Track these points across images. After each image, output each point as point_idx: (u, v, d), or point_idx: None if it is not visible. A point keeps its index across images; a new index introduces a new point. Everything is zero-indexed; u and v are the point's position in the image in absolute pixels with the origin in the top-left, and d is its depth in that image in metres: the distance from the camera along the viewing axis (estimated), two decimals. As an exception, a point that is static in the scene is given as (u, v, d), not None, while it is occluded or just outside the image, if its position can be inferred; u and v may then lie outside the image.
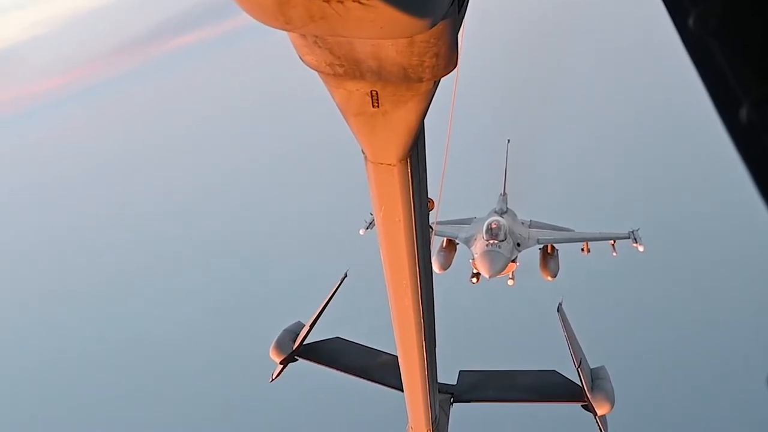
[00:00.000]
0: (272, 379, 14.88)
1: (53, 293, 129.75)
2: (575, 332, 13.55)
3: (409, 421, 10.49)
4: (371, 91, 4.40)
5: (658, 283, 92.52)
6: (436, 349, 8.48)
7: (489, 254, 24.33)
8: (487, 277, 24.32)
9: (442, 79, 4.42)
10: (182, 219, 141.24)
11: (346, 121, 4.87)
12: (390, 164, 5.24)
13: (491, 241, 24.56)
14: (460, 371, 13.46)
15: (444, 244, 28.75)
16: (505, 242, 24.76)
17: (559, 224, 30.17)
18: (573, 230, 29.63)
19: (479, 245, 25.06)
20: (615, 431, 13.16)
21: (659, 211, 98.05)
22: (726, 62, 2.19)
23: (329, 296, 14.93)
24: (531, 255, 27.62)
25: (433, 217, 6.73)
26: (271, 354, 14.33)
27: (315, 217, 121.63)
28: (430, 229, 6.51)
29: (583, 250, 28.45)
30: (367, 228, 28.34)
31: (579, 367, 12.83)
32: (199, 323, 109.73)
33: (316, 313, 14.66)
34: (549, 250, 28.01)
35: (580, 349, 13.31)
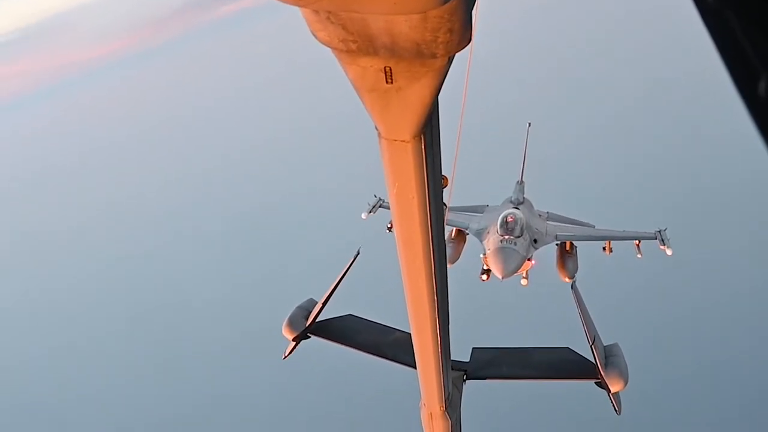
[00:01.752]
0: (285, 356, 14.96)
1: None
2: (588, 310, 13.52)
3: (422, 398, 10.49)
4: (385, 68, 4.38)
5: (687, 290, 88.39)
6: (450, 326, 8.46)
7: (503, 252, 21.93)
8: (500, 277, 21.85)
9: (456, 54, 4.37)
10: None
11: (360, 98, 4.84)
12: (404, 141, 5.20)
13: (506, 237, 22.19)
14: (473, 348, 13.47)
15: (453, 234, 26.37)
16: (521, 238, 22.40)
17: (579, 218, 27.87)
18: (593, 226, 27.24)
19: (492, 240, 22.70)
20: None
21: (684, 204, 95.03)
22: (744, 35, 2.15)
23: (342, 273, 14.93)
24: (547, 252, 25.35)
25: (447, 194, 6.68)
26: (283, 331, 14.36)
27: (327, 194, 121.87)
28: (444, 206, 6.46)
29: (604, 249, 25.86)
30: (370, 212, 26.15)
31: (593, 344, 12.83)
32: (213, 300, 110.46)
33: (329, 291, 14.69)
34: (568, 248, 25.73)
35: (594, 326, 13.30)
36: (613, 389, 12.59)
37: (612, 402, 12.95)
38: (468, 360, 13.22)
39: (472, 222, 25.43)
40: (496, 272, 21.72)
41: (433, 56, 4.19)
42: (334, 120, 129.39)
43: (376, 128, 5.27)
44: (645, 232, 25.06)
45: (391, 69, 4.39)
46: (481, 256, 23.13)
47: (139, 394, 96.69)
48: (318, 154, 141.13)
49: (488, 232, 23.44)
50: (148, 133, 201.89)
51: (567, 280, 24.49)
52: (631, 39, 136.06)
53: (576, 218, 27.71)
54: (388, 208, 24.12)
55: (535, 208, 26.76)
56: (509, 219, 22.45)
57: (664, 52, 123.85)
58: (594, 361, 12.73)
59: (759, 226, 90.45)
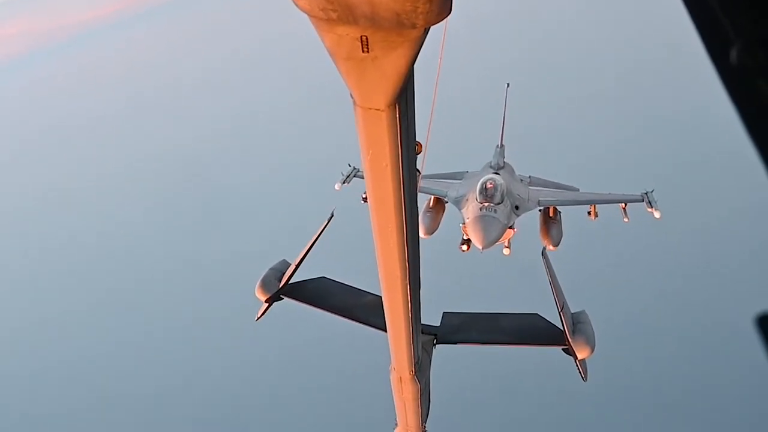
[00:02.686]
0: (257, 318, 14.99)
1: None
2: (558, 277, 13.66)
3: (392, 361, 10.60)
4: (361, 36, 4.42)
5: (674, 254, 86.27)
6: (420, 291, 8.55)
7: (483, 220, 20.81)
8: (480, 247, 20.65)
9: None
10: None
11: (336, 66, 4.88)
12: (378, 109, 5.26)
13: (486, 204, 21.04)
14: (443, 313, 13.58)
15: (431, 203, 25.20)
16: (502, 205, 21.21)
17: (562, 182, 26.87)
18: (578, 189, 26.27)
19: (471, 208, 21.53)
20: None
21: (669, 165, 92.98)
22: (717, 2, 2.18)
23: (316, 235, 14.95)
24: (530, 219, 24.24)
25: (421, 160, 6.74)
26: (256, 292, 14.40)
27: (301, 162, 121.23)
28: (418, 173, 6.52)
29: (589, 213, 24.80)
30: (344, 182, 25.27)
31: (561, 311, 13.00)
32: (183, 264, 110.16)
33: (303, 252, 14.69)
34: (551, 214, 24.52)
35: (563, 293, 13.46)
36: (579, 356, 12.77)
37: (578, 369, 13.16)
38: (438, 324, 13.34)
39: (451, 190, 24.47)
40: (476, 242, 20.68)
41: (413, 26, 4.23)
42: (311, 87, 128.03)
43: (351, 96, 5.31)
44: (631, 195, 24.08)
45: (367, 38, 4.42)
46: (461, 225, 22.17)
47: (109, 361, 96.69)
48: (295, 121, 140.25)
49: (467, 200, 22.46)
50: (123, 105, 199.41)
51: (551, 248, 23.55)
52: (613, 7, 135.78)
53: (559, 182, 26.88)
54: (362, 178, 23.55)
55: (517, 172, 25.87)
56: (489, 185, 21.45)
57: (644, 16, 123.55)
58: (562, 328, 12.92)
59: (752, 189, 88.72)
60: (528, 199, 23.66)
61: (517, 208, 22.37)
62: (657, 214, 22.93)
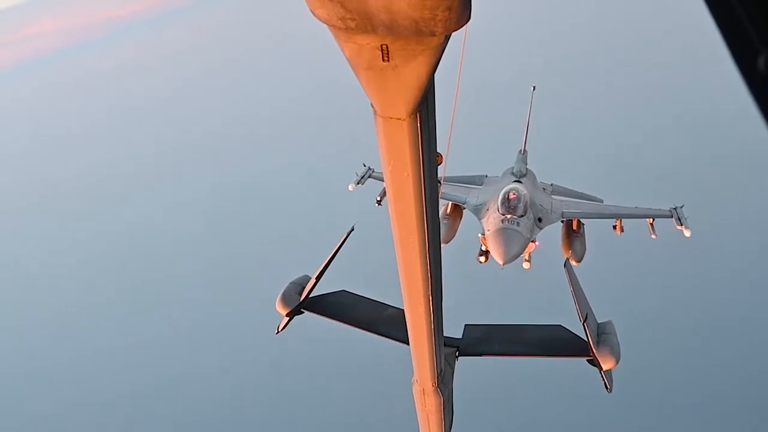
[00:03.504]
0: (278, 332, 15.04)
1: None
2: (582, 287, 13.53)
3: (415, 374, 10.54)
4: (381, 45, 4.39)
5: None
6: (443, 303, 8.50)
7: (504, 233, 19.59)
8: (501, 263, 19.39)
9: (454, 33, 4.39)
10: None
11: (356, 75, 4.85)
12: (399, 119, 5.22)
13: (508, 216, 19.81)
14: (465, 325, 13.50)
15: (448, 209, 23.94)
16: (525, 218, 20.00)
17: (586, 191, 25.52)
18: (602, 200, 25.16)
19: (492, 219, 20.27)
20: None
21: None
22: (744, 12, 2.15)
23: (336, 249, 14.97)
24: (551, 231, 22.77)
25: (441, 171, 6.70)
26: (277, 306, 14.41)
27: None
28: (439, 183, 6.47)
29: (615, 228, 23.30)
30: (358, 182, 24.15)
31: (585, 321, 12.87)
32: (205, 274, 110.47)
33: (322, 266, 14.71)
34: (575, 227, 23.30)
35: (587, 303, 13.34)
36: (604, 367, 12.63)
37: (603, 379, 13.01)
38: (461, 336, 13.26)
39: (470, 196, 23.30)
40: (497, 257, 19.53)
41: (432, 34, 4.20)
42: (331, 96, 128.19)
43: (371, 106, 5.28)
44: (659, 210, 22.73)
45: (387, 47, 4.39)
46: (479, 235, 21.05)
47: (128, 365, 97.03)
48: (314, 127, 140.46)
49: (488, 209, 21.27)
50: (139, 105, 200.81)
51: (574, 263, 22.17)
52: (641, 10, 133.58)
53: (583, 191, 25.69)
54: (378, 179, 23.30)
55: (539, 180, 24.69)
56: (511, 195, 20.35)
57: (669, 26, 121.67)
58: (586, 339, 12.79)
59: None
60: (551, 211, 22.49)
61: (539, 220, 21.17)
62: (687, 233, 21.58)
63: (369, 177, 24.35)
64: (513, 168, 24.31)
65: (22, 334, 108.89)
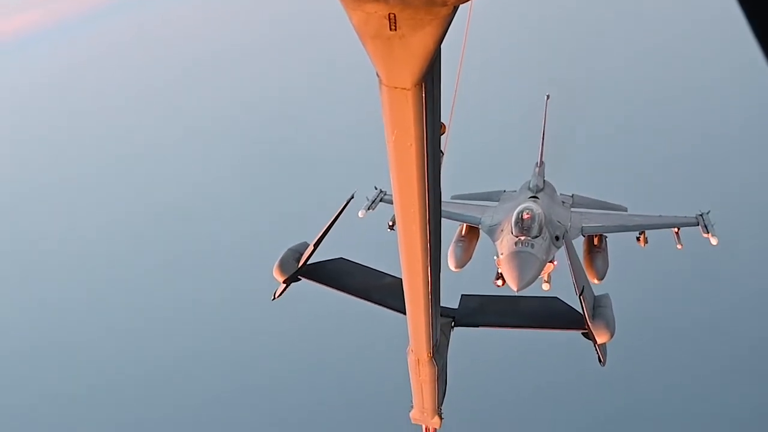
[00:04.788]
0: (274, 298, 15.04)
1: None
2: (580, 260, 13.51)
3: (410, 343, 10.56)
4: (389, 14, 4.37)
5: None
6: (440, 274, 8.50)
7: (518, 257, 18.59)
8: (515, 288, 18.24)
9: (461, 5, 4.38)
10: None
11: (363, 44, 4.84)
12: (405, 88, 5.20)
13: (522, 238, 18.82)
14: (462, 295, 13.48)
15: (463, 231, 22.86)
16: (540, 238, 18.94)
17: (609, 200, 24.65)
18: (626, 208, 24.25)
19: (506, 242, 19.31)
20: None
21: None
22: None
23: (334, 216, 14.95)
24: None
25: (444, 140, 6.66)
26: (274, 273, 14.38)
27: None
28: (441, 154, 6.44)
29: (638, 239, 22.28)
30: (368, 208, 22.97)
31: (581, 295, 12.89)
32: (203, 243, 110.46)
33: (321, 233, 14.69)
34: (596, 242, 22.27)
35: (584, 276, 13.35)
36: (599, 340, 12.68)
37: (597, 353, 13.07)
38: (457, 307, 13.26)
39: (485, 216, 22.28)
40: (510, 283, 18.37)
41: (443, 4, 4.21)
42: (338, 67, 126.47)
43: (377, 75, 5.26)
44: (684, 217, 21.77)
45: (395, 16, 4.37)
46: (495, 258, 19.97)
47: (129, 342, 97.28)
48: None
49: (502, 231, 20.34)
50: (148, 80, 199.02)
51: (596, 281, 21.23)
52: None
53: (606, 200, 24.86)
54: (389, 203, 21.83)
55: (559, 191, 23.77)
56: (525, 215, 19.34)
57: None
58: (582, 312, 12.80)
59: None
60: (570, 227, 21.46)
61: (557, 238, 20.03)
62: (714, 240, 20.74)
63: (380, 201, 23.34)
64: (530, 182, 23.47)
65: None
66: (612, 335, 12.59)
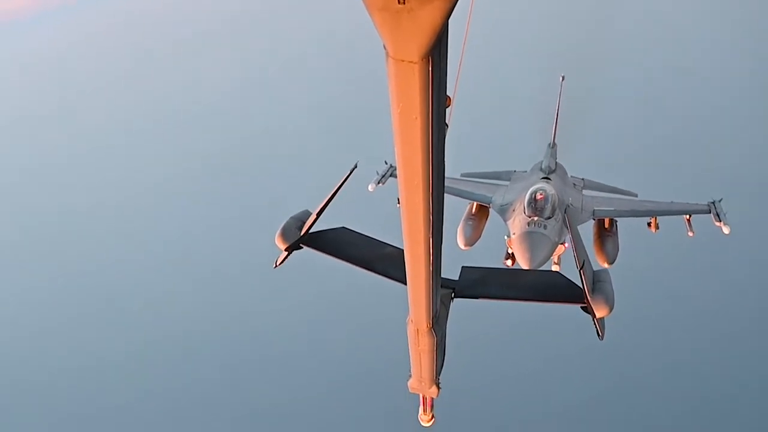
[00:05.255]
0: (276, 266, 15.10)
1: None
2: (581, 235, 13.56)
3: (410, 313, 10.61)
4: None
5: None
6: (442, 245, 8.55)
7: (531, 237, 18.56)
8: (526, 267, 18.20)
9: None
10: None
11: (370, 16, 4.84)
12: (411, 61, 5.20)
13: (534, 218, 18.81)
14: (462, 267, 13.51)
15: (473, 210, 22.84)
16: (552, 219, 18.88)
17: (620, 186, 24.49)
18: (636, 194, 23.99)
19: (518, 222, 19.20)
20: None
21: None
22: None
23: (338, 186, 14.97)
24: (582, 229, 20.75)
25: (449, 114, 6.68)
26: (276, 240, 14.42)
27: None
28: (446, 127, 6.47)
29: (649, 225, 22.17)
30: (378, 182, 23.15)
31: (581, 269, 12.96)
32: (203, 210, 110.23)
33: (324, 202, 14.72)
34: (607, 226, 22.21)
35: (585, 251, 13.39)
36: (598, 314, 12.76)
37: (596, 327, 13.16)
38: (457, 278, 13.32)
39: (496, 195, 22.29)
40: (522, 263, 18.42)
41: None
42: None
43: (384, 47, 5.26)
44: (696, 205, 21.75)
45: None
46: (506, 238, 19.92)
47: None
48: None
49: (514, 210, 20.33)
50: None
51: (606, 265, 21.36)
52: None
53: (616, 186, 24.70)
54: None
55: (569, 174, 23.64)
56: (538, 196, 19.31)
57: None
58: (582, 286, 12.89)
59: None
60: (582, 210, 21.59)
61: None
62: (726, 229, 20.66)
63: (390, 176, 23.38)
64: (542, 163, 23.47)
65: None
66: (611, 310, 12.67)
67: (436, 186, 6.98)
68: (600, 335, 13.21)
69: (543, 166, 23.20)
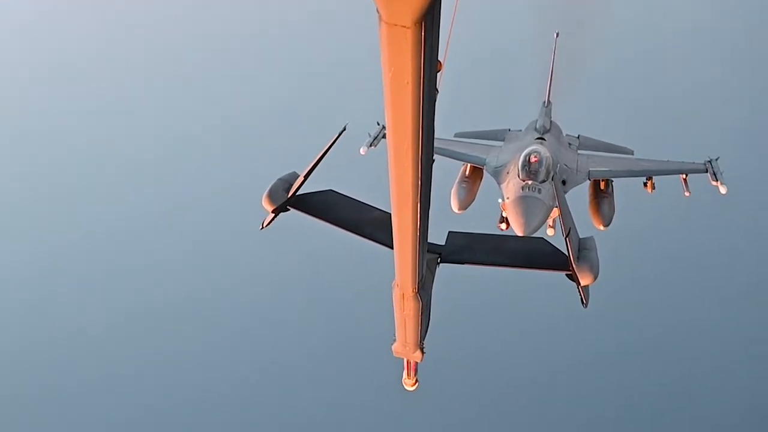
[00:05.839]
0: (262, 227, 15.06)
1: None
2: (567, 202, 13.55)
3: (396, 278, 10.60)
4: None
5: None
6: (429, 211, 8.53)
7: (525, 201, 18.12)
8: (520, 234, 17.81)
9: None
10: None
11: None
12: (404, 26, 5.14)
13: (529, 182, 18.36)
14: (449, 232, 13.48)
15: (467, 172, 22.35)
16: (547, 183, 18.42)
17: (615, 143, 24.01)
18: (632, 151, 23.67)
19: (512, 186, 18.79)
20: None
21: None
22: None
23: (326, 148, 14.85)
24: (578, 191, 20.89)
25: (439, 78, 6.62)
26: (263, 202, 14.40)
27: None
28: (436, 92, 6.42)
29: (645, 185, 21.72)
30: (371, 145, 22.58)
31: (567, 236, 12.97)
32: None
33: (312, 164, 14.63)
34: (602, 187, 21.78)
35: (571, 219, 13.40)
36: (582, 282, 12.80)
37: (581, 295, 13.21)
38: (444, 243, 13.31)
39: (490, 156, 21.79)
40: (516, 228, 18.10)
41: None
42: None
43: (377, 11, 5.18)
44: (692, 164, 21.29)
45: None
46: (500, 202, 19.62)
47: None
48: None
49: (508, 173, 19.81)
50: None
51: (602, 227, 20.97)
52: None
53: (612, 143, 24.23)
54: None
55: (564, 132, 23.20)
56: (532, 159, 18.89)
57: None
58: (567, 254, 12.91)
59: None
60: (577, 171, 21.06)
61: (564, 182, 19.78)
62: (723, 189, 20.32)
63: (383, 138, 22.65)
64: (536, 122, 22.98)
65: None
66: (595, 278, 12.71)
67: (426, 151, 6.94)
68: (584, 303, 13.28)
69: (537, 126, 22.77)
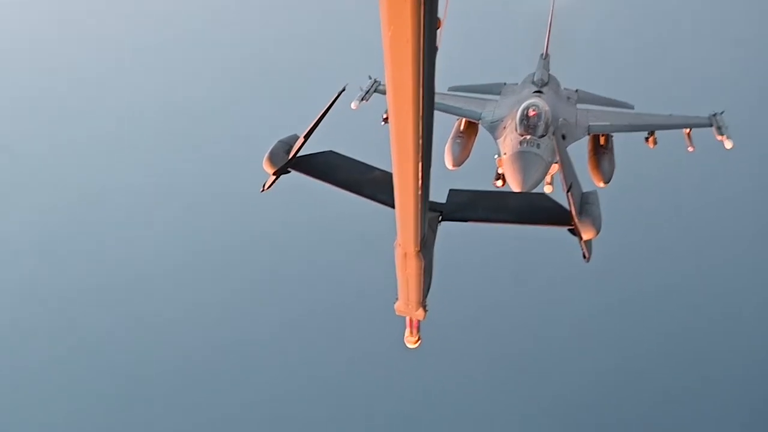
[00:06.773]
0: (263, 190, 15.16)
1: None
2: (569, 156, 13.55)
3: (398, 237, 10.65)
4: None
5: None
6: (431, 168, 8.56)
7: (523, 157, 17.56)
8: (518, 190, 17.28)
9: None
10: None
11: None
12: None
13: (527, 137, 17.79)
14: (450, 190, 13.48)
15: (461, 127, 21.81)
16: (546, 138, 17.87)
17: (615, 97, 23.15)
18: (632, 106, 22.84)
19: (510, 141, 18.25)
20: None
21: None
22: None
23: (325, 108, 14.89)
24: (577, 146, 20.29)
25: (439, 35, 6.60)
26: (263, 164, 14.44)
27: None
28: (436, 49, 6.42)
29: (647, 140, 21.09)
30: (362, 99, 22.03)
31: (568, 191, 13.01)
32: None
33: (312, 125, 14.67)
34: (602, 142, 21.19)
35: (573, 172, 13.42)
36: (584, 237, 12.85)
37: (582, 250, 13.27)
38: (444, 201, 13.33)
39: (486, 110, 21.26)
40: (513, 185, 17.56)
41: None
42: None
43: None
44: (697, 117, 20.63)
45: None
46: (496, 157, 19.01)
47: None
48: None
49: (505, 128, 19.25)
50: None
51: (602, 184, 20.49)
52: None
53: (611, 97, 23.39)
54: (384, 93, 20.63)
55: (563, 86, 22.62)
56: (531, 113, 18.25)
57: None
58: (569, 208, 12.98)
59: None
60: (576, 125, 20.45)
61: (563, 137, 19.05)
62: (728, 144, 19.65)
63: (375, 92, 22.42)
64: (534, 75, 22.46)
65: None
66: (598, 232, 12.74)
67: (427, 110, 6.94)
68: (586, 257, 13.34)
69: (535, 79, 22.23)
